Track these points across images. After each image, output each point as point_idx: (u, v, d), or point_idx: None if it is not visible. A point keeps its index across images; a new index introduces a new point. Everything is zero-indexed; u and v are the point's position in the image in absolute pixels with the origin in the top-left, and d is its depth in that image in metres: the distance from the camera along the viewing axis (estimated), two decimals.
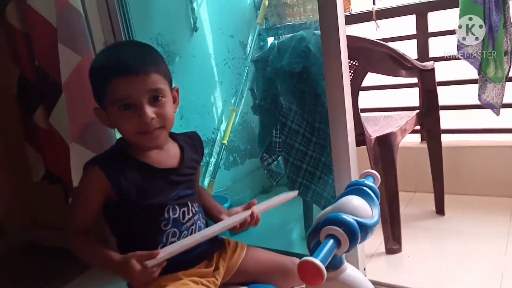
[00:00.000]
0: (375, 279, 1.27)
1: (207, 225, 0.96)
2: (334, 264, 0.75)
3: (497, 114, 1.66)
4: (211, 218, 0.99)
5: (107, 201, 0.86)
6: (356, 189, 0.79)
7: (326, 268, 0.63)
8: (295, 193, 0.98)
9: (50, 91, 1.39)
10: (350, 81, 1.39)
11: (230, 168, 2.22)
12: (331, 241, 0.66)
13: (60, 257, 1.51)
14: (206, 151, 2.07)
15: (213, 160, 2.12)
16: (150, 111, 0.83)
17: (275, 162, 1.69)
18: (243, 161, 2.31)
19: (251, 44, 2.24)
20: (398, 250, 1.49)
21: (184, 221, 0.90)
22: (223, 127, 2.17)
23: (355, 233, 0.68)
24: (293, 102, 1.43)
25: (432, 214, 1.75)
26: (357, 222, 0.69)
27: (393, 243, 1.50)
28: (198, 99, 2.04)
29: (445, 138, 1.89)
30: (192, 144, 0.98)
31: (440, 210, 1.74)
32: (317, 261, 0.61)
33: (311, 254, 0.72)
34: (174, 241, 0.87)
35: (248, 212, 0.90)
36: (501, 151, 1.81)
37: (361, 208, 0.74)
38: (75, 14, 1.35)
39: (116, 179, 0.84)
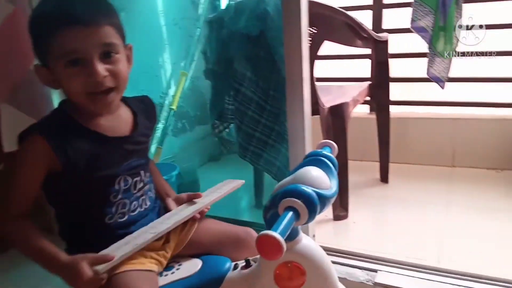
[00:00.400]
0: (323, 245, 1.29)
1: (156, 197, 0.92)
2: (291, 235, 0.74)
3: (442, 87, 1.72)
4: (157, 197, 0.95)
5: (48, 172, 0.77)
6: (314, 159, 0.77)
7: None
8: (241, 182, 0.98)
9: None
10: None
11: (179, 135, 2.15)
12: (290, 214, 0.64)
13: None
14: None
15: (160, 126, 2.03)
16: (101, 68, 0.74)
17: (227, 130, 1.65)
18: (192, 128, 2.24)
19: (204, 4, 2.12)
20: (345, 216, 1.53)
21: (135, 191, 0.84)
22: (171, 91, 2.08)
23: (315, 204, 0.66)
24: (248, 68, 1.37)
25: (377, 182, 1.82)
26: (316, 193, 0.68)
27: (340, 210, 1.54)
28: (145, 60, 1.91)
29: (393, 109, 1.95)
30: (144, 110, 0.91)
31: (384, 178, 1.81)
32: (276, 234, 0.58)
33: (268, 226, 0.71)
34: (123, 212, 0.82)
35: (199, 207, 0.89)
36: (444, 123, 1.90)
37: (319, 179, 0.72)
38: None
39: (62, 149, 0.75)
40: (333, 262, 1.19)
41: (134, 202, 0.84)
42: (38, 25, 0.77)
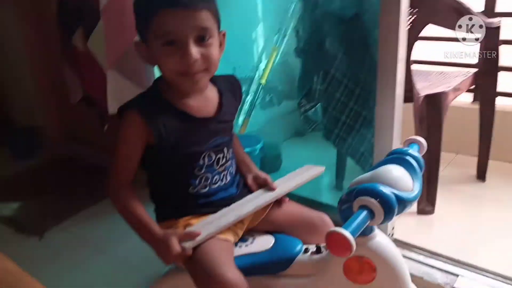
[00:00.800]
0: (402, 239, 1.25)
1: (237, 172, 0.96)
2: (365, 231, 0.73)
3: None
4: (238, 171, 0.98)
5: (145, 145, 0.85)
6: (398, 158, 0.74)
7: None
8: (321, 169, 1.00)
9: (89, 15, 1.35)
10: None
11: (266, 108, 2.18)
12: (364, 213, 0.63)
13: (96, 173, 1.59)
14: (243, 88, 2.02)
15: (249, 98, 2.07)
16: (195, 51, 0.78)
17: (313, 109, 1.63)
18: (279, 102, 2.25)
19: None
20: (431, 212, 1.45)
21: (217, 166, 0.90)
22: (262, 65, 2.09)
23: (392, 207, 0.64)
24: (340, 50, 1.33)
25: (472, 179, 1.67)
26: (395, 195, 0.65)
27: (426, 204, 1.45)
28: (238, 34, 1.94)
29: (499, 101, 1.75)
30: (231, 89, 0.94)
31: (481, 175, 1.66)
32: (347, 233, 0.58)
33: (342, 219, 0.70)
34: (206, 184, 0.88)
35: (278, 195, 0.92)
36: None
37: (401, 180, 0.69)
38: None
39: (156, 125, 0.82)
40: (411, 259, 1.16)
41: (216, 176, 0.89)
42: (142, 4, 0.83)
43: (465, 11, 1.31)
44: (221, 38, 0.86)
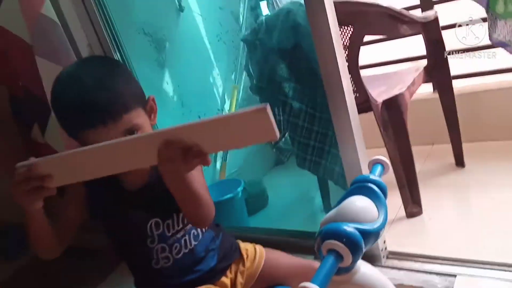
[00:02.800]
0: (396, 250, 1.24)
1: (209, 236, 0.92)
2: (347, 268, 0.72)
3: (511, 52, 1.54)
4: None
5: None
6: (360, 187, 0.73)
7: (338, 272, 0.63)
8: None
9: (39, 109, 1.36)
10: (347, 47, 1.31)
11: None
12: (331, 258, 0.62)
13: (86, 256, 1.53)
14: None
15: None
16: None
17: (283, 139, 1.64)
18: None
19: (243, 13, 2.12)
20: (419, 212, 1.45)
21: (170, 234, 0.85)
22: (226, 106, 2.12)
23: (358, 246, 0.63)
24: (291, 80, 1.36)
25: (452, 167, 1.68)
26: (360, 231, 0.64)
27: (413, 206, 1.45)
28: (197, 82, 1.98)
29: (458, 84, 1.79)
30: None
31: (459, 162, 1.67)
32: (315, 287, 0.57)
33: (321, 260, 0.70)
34: (166, 256, 0.85)
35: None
36: None
37: (364, 211, 0.69)
38: (49, 24, 1.30)
39: (91, 200, 0.84)
40: (408, 270, 1.15)
41: (176, 244, 0.85)
42: (63, 124, 0.78)
43: (397, 14, 1.34)
44: (151, 103, 0.82)
